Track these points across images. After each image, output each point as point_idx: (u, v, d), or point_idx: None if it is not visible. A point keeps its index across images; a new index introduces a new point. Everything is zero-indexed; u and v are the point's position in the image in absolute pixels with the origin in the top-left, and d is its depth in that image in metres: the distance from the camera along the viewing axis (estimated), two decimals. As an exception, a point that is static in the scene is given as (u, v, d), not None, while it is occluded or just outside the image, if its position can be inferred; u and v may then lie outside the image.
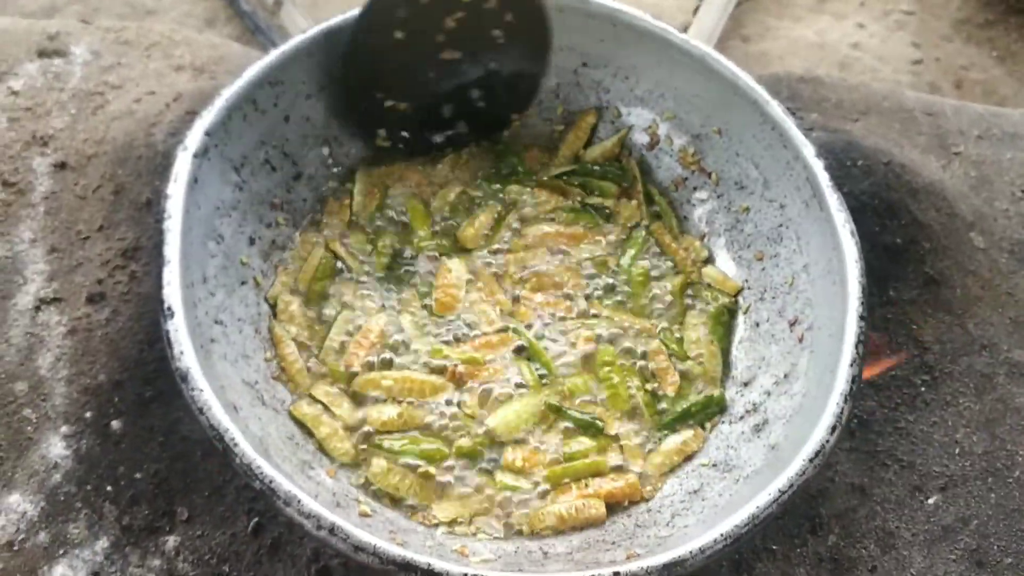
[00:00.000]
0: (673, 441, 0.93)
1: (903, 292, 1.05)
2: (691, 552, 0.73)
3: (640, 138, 1.10)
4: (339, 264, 1.01)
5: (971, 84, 2.15)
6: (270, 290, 0.97)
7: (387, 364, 0.95)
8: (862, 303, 0.87)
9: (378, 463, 0.87)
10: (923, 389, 1.00)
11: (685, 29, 1.90)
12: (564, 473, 0.90)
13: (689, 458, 0.93)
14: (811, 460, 0.78)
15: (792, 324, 0.95)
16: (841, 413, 0.81)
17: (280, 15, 1.84)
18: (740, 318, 1.01)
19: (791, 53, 2.07)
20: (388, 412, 0.91)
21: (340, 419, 0.90)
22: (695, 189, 1.08)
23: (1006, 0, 2.24)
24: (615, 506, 0.89)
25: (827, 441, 0.80)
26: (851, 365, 0.84)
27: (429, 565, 0.70)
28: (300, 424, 0.90)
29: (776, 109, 0.98)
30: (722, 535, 0.74)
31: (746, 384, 0.96)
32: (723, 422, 0.94)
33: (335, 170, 1.06)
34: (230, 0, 1.85)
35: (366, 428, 0.90)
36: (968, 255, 1.09)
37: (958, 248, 1.09)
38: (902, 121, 1.23)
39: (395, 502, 0.86)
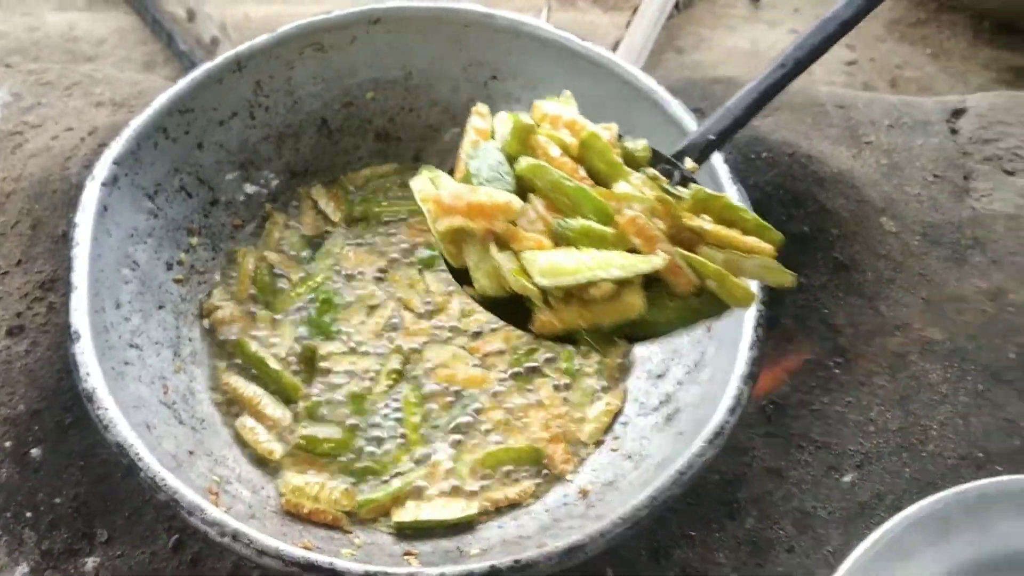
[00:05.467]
0: (597, 408, 0.97)
1: (813, 278, 1.07)
2: (590, 536, 0.75)
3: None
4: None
5: (906, 82, 2.18)
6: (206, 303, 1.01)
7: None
8: (760, 287, 0.89)
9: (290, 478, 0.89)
10: (836, 371, 1.02)
11: (617, 44, 1.93)
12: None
13: (617, 416, 0.97)
14: (711, 441, 0.80)
15: (700, 314, 0.97)
16: (740, 395, 0.83)
17: (217, 54, 1.87)
18: None
19: (725, 62, 2.10)
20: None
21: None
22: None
23: (936, -3, 2.29)
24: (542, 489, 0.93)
25: (727, 422, 0.81)
26: (750, 348, 0.86)
27: (331, 564, 0.71)
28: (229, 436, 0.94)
29: (677, 108, 1.01)
30: (620, 518, 0.75)
31: (660, 376, 0.98)
32: (639, 414, 0.96)
33: (254, 191, 1.08)
34: (168, 42, 1.87)
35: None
36: (879, 239, 1.12)
37: (868, 233, 1.11)
38: (814, 115, 1.26)
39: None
